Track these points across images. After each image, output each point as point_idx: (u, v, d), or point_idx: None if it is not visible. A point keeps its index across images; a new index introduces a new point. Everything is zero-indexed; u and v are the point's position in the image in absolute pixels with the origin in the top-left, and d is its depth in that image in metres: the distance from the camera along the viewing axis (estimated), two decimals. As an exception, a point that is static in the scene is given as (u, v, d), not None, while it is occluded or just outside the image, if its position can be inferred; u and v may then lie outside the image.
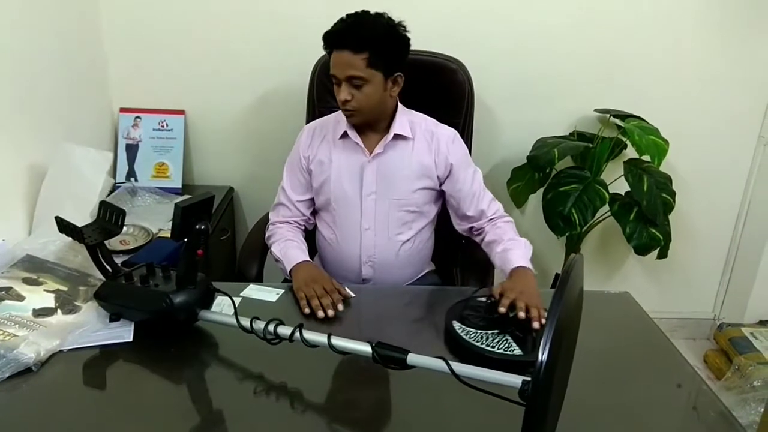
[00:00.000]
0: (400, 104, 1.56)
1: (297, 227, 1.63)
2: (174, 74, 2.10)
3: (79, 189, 1.51)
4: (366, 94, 1.43)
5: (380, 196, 1.56)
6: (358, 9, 1.46)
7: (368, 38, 1.39)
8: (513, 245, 1.48)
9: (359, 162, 1.55)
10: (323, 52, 1.79)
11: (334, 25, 1.43)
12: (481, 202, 1.59)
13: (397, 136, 1.53)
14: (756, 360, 2.20)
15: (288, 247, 1.52)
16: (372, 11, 1.44)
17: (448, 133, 1.58)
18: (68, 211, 1.28)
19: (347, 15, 1.44)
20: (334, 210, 1.59)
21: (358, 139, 1.54)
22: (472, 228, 1.62)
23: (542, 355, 0.72)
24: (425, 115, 1.60)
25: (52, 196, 1.52)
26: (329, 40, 1.43)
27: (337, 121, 1.58)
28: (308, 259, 1.49)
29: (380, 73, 1.43)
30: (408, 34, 1.46)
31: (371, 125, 1.54)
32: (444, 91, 1.73)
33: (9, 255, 1.31)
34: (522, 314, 1.23)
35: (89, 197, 1.51)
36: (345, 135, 1.55)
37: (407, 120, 1.55)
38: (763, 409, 1.92)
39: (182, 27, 2.05)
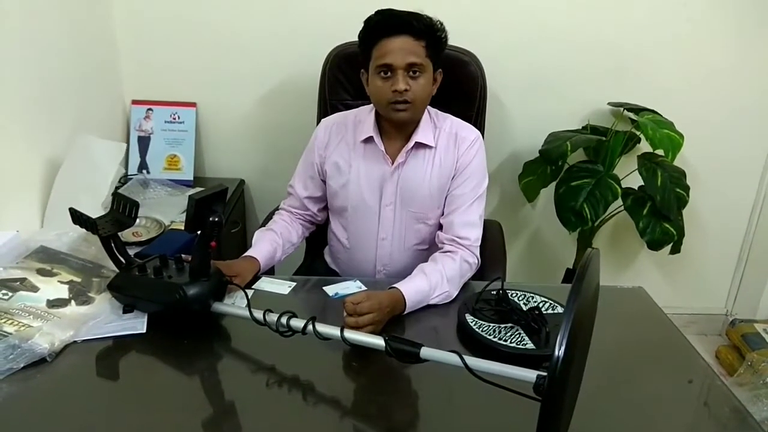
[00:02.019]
0: (428, 107, 1.50)
1: (299, 218, 1.61)
2: (186, 67, 2.10)
3: (92, 180, 1.51)
4: (422, 85, 1.38)
5: (399, 207, 1.52)
6: (370, 2, 1.44)
7: (426, 26, 1.36)
8: (424, 275, 1.33)
9: (381, 171, 1.50)
10: (334, 45, 1.81)
11: (379, 15, 1.38)
12: (455, 216, 1.47)
13: (418, 144, 1.47)
14: (769, 356, 2.19)
15: (262, 239, 1.49)
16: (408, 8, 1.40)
17: (471, 137, 1.50)
18: (81, 203, 1.28)
19: (383, 10, 1.39)
20: (351, 216, 1.56)
21: (383, 147, 1.48)
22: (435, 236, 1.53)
23: (559, 350, 0.72)
24: (452, 117, 1.54)
25: (66, 188, 1.52)
26: (383, 27, 1.36)
27: (358, 121, 1.52)
28: (256, 257, 1.42)
29: (432, 66, 1.39)
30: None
31: (402, 128, 1.47)
32: (456, 83, 1.72)
33: (23, 246, 1.32)
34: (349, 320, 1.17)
35: (101, 188, 1.51)
36: (367, 140, 1.49)
37: (431, 125, 1.49)
38: (775, 406, 1.91)
39: (194, 19, 2.04)
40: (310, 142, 1.58)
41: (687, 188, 2.06)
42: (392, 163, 1.49)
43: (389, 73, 1.37)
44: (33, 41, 1.55)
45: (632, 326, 1.33)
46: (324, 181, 1.58)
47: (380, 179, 1.51)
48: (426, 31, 1.36)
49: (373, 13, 1.41)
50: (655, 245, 2.05)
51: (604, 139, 2.07)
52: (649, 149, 2.01)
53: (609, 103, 2.17)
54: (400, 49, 1.35)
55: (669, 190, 2.02)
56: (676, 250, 2.11)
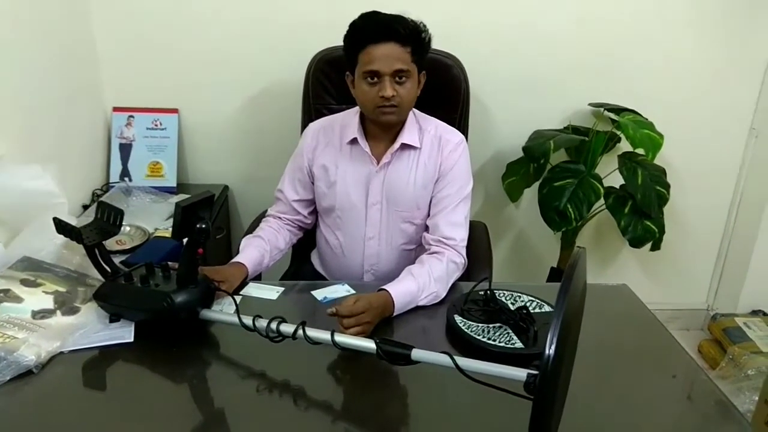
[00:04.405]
0: (413, 108, 1.52)
1: (287, 224, 1.61)
2: (167, 73, 2.09)
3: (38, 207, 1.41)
4: (408, 90, 1.41)
5: (385, 207, 1.53)
6: (355, 6, 1.45)
7: (410, 32, 1.37)
8: (412, 277, 1.34)
9: (366, 171, 1.52)
10: (318, 50, 1.81)
11: (365, 20, 1.39)
12: (440, 217, 1.49)
13: (404, 146, 1.49)
14: (750, 349, 2.23)
15: (249, 245, 1.49)
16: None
17: (454, 140, 1.52)
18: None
19: (368, 13, 1.40)
20: (338, 217, 1.57)
21: (368, 148, 1.50)
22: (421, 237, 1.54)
23: (549, 349, 0.73)
24: (437, 120, 1.56)
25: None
26: (371, 33, 1.37)
27: (344, 124, 1.53)
28: (243, 263, 1.42)
29: (417, 69, 1.41)
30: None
31: (387, 129, 1.49)
32: (439, 86, 1.72)
33: (6, 256, 1.30)
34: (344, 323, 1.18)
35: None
36: (353, 141, 1.51)
37: (416, 127, 1.51)
38: (757, 398, 1.95)
39: (175, 25, 2.03)
40: (298, 146, 1.59)
41: (667, 186, 2.10)
42: (377, 164, 1.50)
43: (376, 79, 1.39)
44: (12, 49, 1.53)
45: (617, 323, 1.35)
46: (313, 183, 1.58)
47: (366, 179, 1.52)
48: (411, 36, 1.38)
49: (358, 17, 1.42)
50: (636, 243, 2.08)
51: (586, 139, 2.09)
52: (630, 148, 2.04)
53: (590, 104, 2.20)
54: (387, 56, 1.37)
55: (650, 189, 2.05)
56: (656, 247, 2.14)
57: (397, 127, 1.50)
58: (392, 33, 1.36)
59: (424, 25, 1.43)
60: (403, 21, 1.39)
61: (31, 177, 1.38)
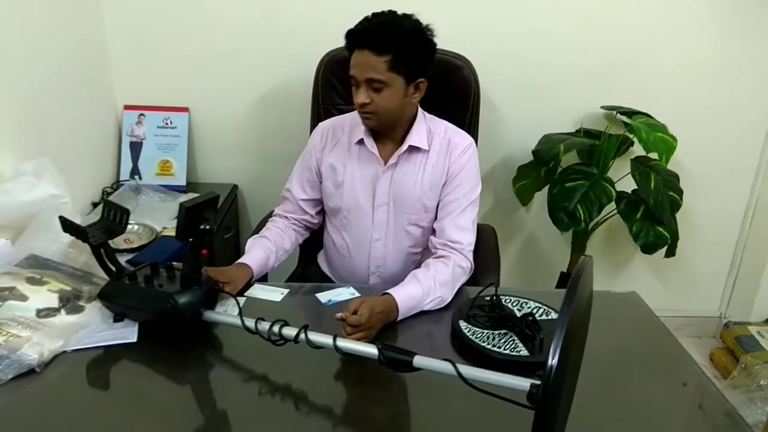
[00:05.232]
0: (421, 111, 1.51)
1: (294, 224, 1.61)
2: (178, 71, 2.09)
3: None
4: (385, 98, 1.38)
5: (392, 209, 1.53)
6: (365, 6, 1.44)
7: (392, 40, 1.33)
8: (417, 281, 1.32)
9: (373, 171, 1.51)
10: (328, 49, 1.80)
11: (359, 23, 1.38)
12: (447, 220, 1.48)
13: (412, 148, 1.48)
14: (763, 359, 2.19)
15: (254, 245, 1.48)
16: (400, 12, 1.38)
17: (463, 143, 1.50)
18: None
19: (373, 14, 1.38)
20: (345, 218, 1.56)
21: (375, 149, 1.49)
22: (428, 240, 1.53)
23: (552, 359, 0.71)
24: (447, 123, 1.54)
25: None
26: (351, 40, 1.37)
27: (353, 124, 1.53)
28: (248, 264, 1.41)
29: (402, 78, 1.37)
30: (435, 39, 1.40)
31: (388, 132, 1.49)
32: (450, 88, 1.72)
33: (12, 254, 1.31)
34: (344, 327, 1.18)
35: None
36: (361, 142, 1.50)
37: (425, 129, 1.50)
38: (770, 409, 1.92)
39: (186, 24, 2.03)
40: (307, 145, 1.59)
41: (680, 192, 2.07)
42: (384, 165, 1.50)
43: (357, 84, 1.39)
44: (24, 48, 1.54)
45: (626, 331, 1.33)
46: (321, 183, 1.58)
47: (373, 180, 1.52)
48: (392, 45, 1.33)
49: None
50: (648, 249, 2.05)
51: (597, 142, 2.07)
52: (643, 152, 2.01)
53: (602, 107, 2.17)
54: (362, 63, 1.36)
55: (662, 194, 2.02)
56: (671, 253, 2.11)
57: (404, 129, 1.49)
58: (366, 41, 1.34)
59: (426, 32, 1.39)
60: (386, 28, 1.34)
61: (25, 189, 1.37)
